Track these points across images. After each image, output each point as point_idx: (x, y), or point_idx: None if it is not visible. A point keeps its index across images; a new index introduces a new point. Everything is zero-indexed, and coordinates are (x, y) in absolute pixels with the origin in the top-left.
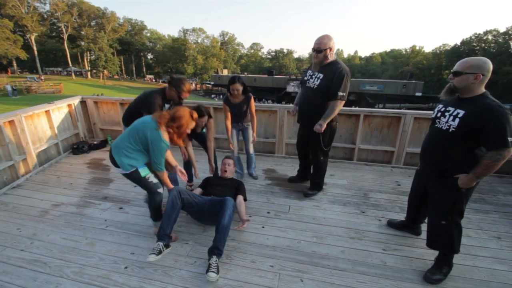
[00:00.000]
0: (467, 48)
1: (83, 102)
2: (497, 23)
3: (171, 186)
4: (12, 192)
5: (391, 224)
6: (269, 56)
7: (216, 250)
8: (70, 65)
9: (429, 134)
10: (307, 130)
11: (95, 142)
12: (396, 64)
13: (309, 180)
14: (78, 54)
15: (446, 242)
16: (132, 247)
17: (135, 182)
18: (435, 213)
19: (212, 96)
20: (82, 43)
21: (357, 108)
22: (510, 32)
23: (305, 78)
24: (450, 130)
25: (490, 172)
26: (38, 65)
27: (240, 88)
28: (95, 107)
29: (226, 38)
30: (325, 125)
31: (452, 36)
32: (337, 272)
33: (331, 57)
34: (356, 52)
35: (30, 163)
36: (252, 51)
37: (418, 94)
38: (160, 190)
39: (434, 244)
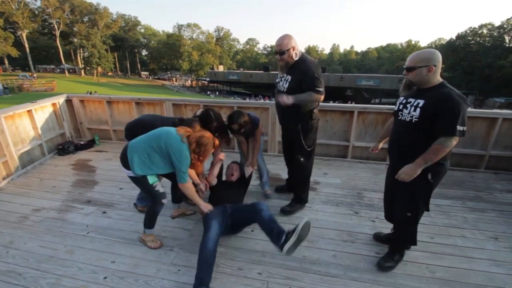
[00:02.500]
0: (463, 42)
1: (68, 101)
2: (492, 17)
3: (206, 207)
4: None
5: (378, 237)
6: (265, 52)
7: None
8: (63, 63)
9: (393, 128)
10: (288, 133)
11: (81, 142)
12: (392, 59)
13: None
14: (71, 51)
15: (408, 235)
16: (113, 255)
17: (140, 188)
18: (401, 205)
19: (208, 92)
20: (75, 40)
21: (351, 105)
22: (504, 26)
23: (276, 81)
24: (413, 120)
25: (438, 158)
26: (30, 62)
27: (236, 128)
28: (81, 105)
29: (221, 34)
30: (291, 100)
31: (448, 30)
32: (328, 279)
33: (296, 56)
34: (352, 47)
35: (11, 165)
36: (248, 46)
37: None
38: (164, 201)
39: (397, 236)
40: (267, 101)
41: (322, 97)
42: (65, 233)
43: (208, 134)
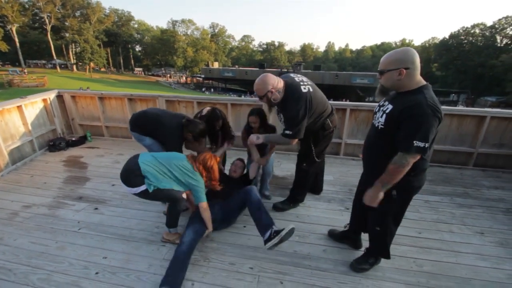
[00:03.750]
0: (455, 41)
1: (59, 97)
2: (484, 17)
3: (211, 227)
4: None
5: (332, 234)
6: (260, 49)
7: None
8: (55, 58)
9: (368, 132)
10: (300, 144)
11: (73, 139)
12: None
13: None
14: (63, 46)
15: (380, 249)
16: (105, 251)
17: (155, 199)
18: (371, 217)
19: (203, 89)
20: (67, 35)
21: (343, 102)
22: (496, 26)
23: None
24: (379, 127)
25: (395, 180)
26: (21, 57)
27: (258, 121)
28: (72, 101)
29: (216, 30)
30: (261, 140)
31: (441, 29)
32: (318, 273)
33: (279, 95)
34: (347, 45)
35: (1, 162)
36: (243, 43)
37: None
38: (184, 195)
39: (371, 250)
40: None
41: (294, 141)
42: (56, 229)
43: (210, 156)
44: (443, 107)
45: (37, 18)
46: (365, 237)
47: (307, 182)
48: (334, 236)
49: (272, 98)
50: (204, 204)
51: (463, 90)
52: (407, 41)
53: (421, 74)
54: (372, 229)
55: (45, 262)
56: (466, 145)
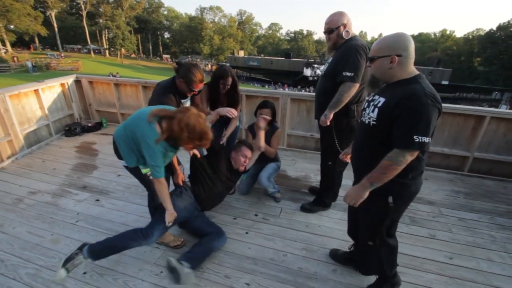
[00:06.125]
0: (504, 33)
1: (77, 82)
2: None
3: (171, 216)
4: None
5: (335, 255)
6: (288, 38)
7: (190, 259)
8: (89, 43)
9: (356, 131)
10: (320, 131)
11: (89, 124)
12: (423, 49)
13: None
14: (97, 31)
15: (375, 267)
16: None
17: (136, 177)
18: (362, 231)
19: None
20: (100, 21)
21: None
22: None
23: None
24: (371, 123)
25: (386, 179)
26: (59, 42)
27: (270, 114)
28: (90, 87)
29: (243, 18)
30: (331, 116)
31: (488, 20)
32: None
33: (347, 35)
34: (380, 35)
35: (16, 145)
36: (270, 31)
37: (445, 82)
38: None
39: (365, 269)
40: (282, 90)
41: (356, 85)
42: (55, 220)
43: (189, 113)
44: (496, 109)
45: (74, 4)
46: None
47: (335, 182)
48: (337, 257)
49: (343, 34)
50: (160, 180)
51: (508, 88)
52: (448, 32)
53: (461, 69)
54: (363, 244)
55: (37, 256)
56: None
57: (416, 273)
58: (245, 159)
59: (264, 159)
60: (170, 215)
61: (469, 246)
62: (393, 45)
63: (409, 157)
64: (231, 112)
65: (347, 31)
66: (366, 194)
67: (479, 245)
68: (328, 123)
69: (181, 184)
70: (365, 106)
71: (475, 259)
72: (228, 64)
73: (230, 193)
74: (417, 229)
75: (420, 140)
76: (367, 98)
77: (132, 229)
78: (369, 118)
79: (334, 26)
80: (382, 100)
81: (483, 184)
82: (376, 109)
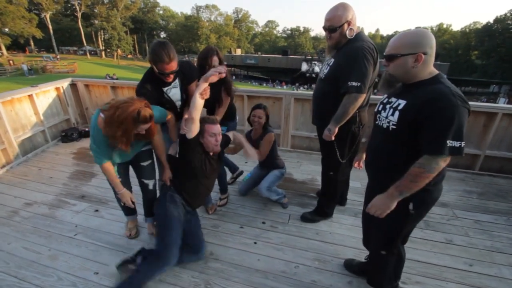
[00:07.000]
0: (501, 26)
1: (73, 85)
2: None
3: (123, 196)
4: None
5: (349, 266)
6: (284, 35)
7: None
8: (85, 44)
9: (372, 134)
10: (320, 133)
11: (86, 129)
12: None
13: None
14: (92, 33)
15: (383, 277)
16: (98, 264)
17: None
18: (376, 239)
19: None
20: (96, 22)
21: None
22: None
23: (320, 67)
24: (390, 128)
25: (418, 187)
26: (54, 44)
27: (264, 116)
28: (86, 90)
29: (240, 16)
30: (335, 130)
31: (484, 13)
32: None
33: (351, 33)
34: (377, 30)
35: (10, 153)
36: (267, 29)
37: None
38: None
39: (376, 282)
40: (281, 89)
41: (362, 96)
42: (52, 234)
43: (127, 103)
44: (509, 106)
45: (69, 5)
46: None
47: (336, 193)
48: (352, 268)
49: (348, 33)
50: (103, 166)
51: (507, 81)
52: (444, 25)
53: (459, 63)
54: (376, 254)
55: (33, 274)
56: None
57: (436, 282)
58: (215, 137)
59: (267, 166)
60: (123, 195)
61: (488, 251)
62: (419, 42)
63: (443, 163)
64: (218, 70)
65: (352, 29)
66: (394, 204)
67: (498, 249)
68: (333, 138)
69: (169, 183)
70: (380, 109)
71: (496, 265)
72: (216, 48)
73: (210, 213)
74: (432, 234)
75: (455, 145)
76: (381, 100)
77: (146, 262)
78: (388, 122)
79: (337, 24)
80: (402, 102)
81: (495, 183)
82: (397, 112)
